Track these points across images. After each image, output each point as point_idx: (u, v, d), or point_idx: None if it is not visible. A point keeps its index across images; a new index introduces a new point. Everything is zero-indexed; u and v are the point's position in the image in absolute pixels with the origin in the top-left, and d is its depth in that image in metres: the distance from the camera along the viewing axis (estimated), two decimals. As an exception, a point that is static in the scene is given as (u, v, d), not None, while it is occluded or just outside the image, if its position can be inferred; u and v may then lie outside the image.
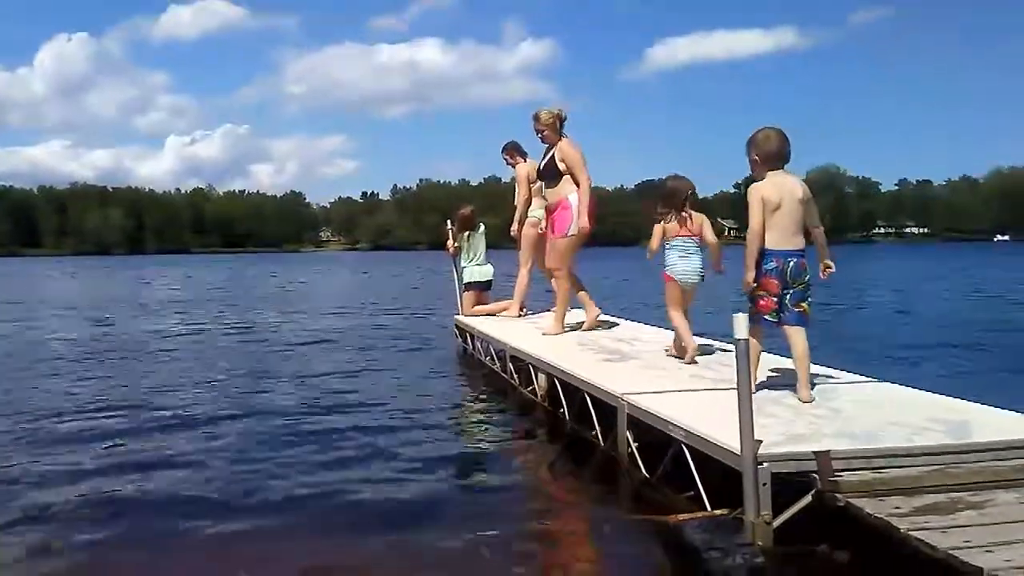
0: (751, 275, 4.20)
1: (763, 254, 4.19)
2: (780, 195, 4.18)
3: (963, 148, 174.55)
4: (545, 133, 6.86)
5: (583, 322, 7.41)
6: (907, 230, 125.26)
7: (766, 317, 4.21)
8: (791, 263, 4.17)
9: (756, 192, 4.20)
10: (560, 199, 6.86)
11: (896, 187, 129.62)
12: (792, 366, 4.34)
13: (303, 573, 3.11)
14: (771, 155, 4.26)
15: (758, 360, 4.41)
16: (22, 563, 3.20)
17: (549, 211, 7.04)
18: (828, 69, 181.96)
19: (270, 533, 3.50)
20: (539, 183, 8.52)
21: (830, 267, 4.33)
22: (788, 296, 4.19)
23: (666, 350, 5.83)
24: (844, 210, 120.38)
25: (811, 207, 4.26)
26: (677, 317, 5.55)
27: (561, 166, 6.80)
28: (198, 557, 3.29)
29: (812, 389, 4.22)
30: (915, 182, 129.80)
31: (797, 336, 4.21)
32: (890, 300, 17.30)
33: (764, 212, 4.16)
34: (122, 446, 4.99)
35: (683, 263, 5.45)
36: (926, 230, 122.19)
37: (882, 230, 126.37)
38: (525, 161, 8.59)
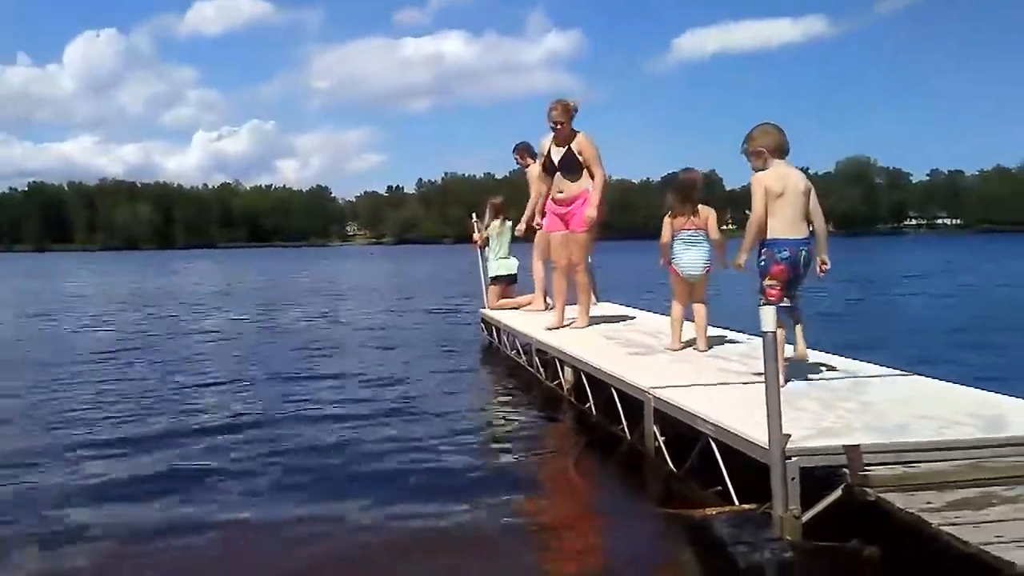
0: (743, 257, 4.33)
1: (774, 244, 4.24)
2: (783, 185, 4.25)
3: (996, 137, 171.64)
4: (562, 125, 6.67)
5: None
6: (939, 221, 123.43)
7: (781, 305, 4.19)
8: (803, 252, 4.26)
9: (759, 181, 4.27)
10: (580, 192, 6.75)
11: (927, 177, 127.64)
12: (820, 359, 4.30)
13: (325, 558, 3.15)
14: (774, 147, 4.34)
15: (783, 352, 4.38)
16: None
17: (564, 204, 6.83)
18: (857, 58, 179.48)
19: (291, 519, 3.53)
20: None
21: (826, 264, 4.39)
22: (796, 284, 4.34)
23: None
24: (874, 201, 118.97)
25: (813, 199, 4.33)
26: (676, 309, 5.70)
27: (580, 159, 6.69)
28: (206, 541, 3.33)
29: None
30: (947, 172, 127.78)
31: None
32: (920, 292, 17.08)
33: (767, 201, 4.24)
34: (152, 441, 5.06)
35: (686, 256, 5.49)
36: (958, 221, 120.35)
37: (913, 221, 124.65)
38: (535, 161, 8.59)
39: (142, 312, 14.65)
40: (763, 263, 4.32)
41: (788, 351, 4.51)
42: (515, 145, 8.89)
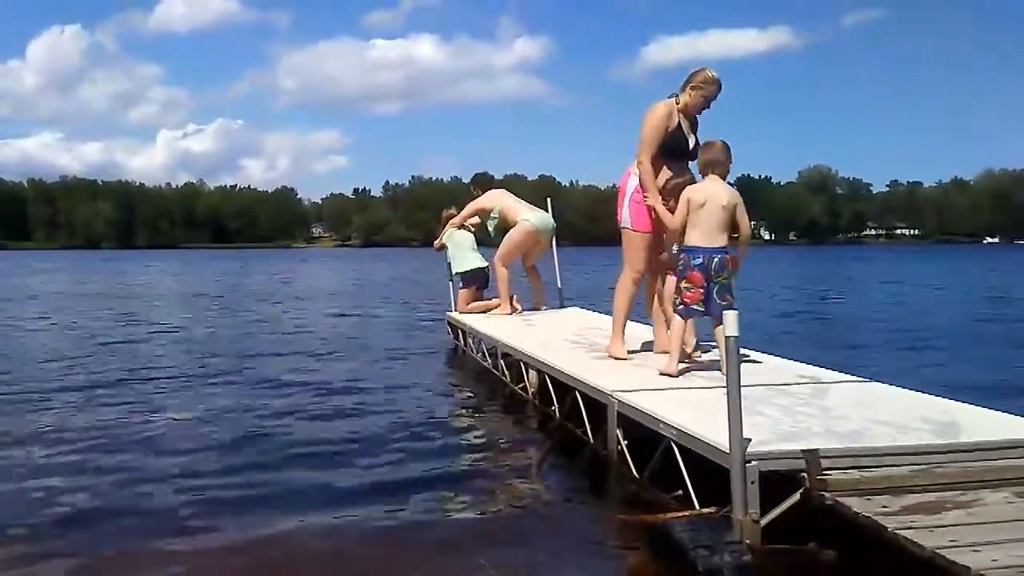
0: (664, 255, 4.98)
1: (691, 251, 4.72)
2: (705, 197, 4.71)
3: (954, 150, 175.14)
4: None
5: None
6: (898, 231, 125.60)
7: (695, 307, 4.73)
8: (715, 259, 4.67)
9: (684, 194, 4.81)
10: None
11: (887, 188, 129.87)
12: (780, 365, 4.34)
13: (280, 565, 3.11)
14: (709, 162, 4.83)
15: (692, 347, 5.04)
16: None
17: (672, 195, 5.24)
18: (821, 70, 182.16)
19: (254, 528, 3.48)
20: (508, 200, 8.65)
21: (737, 267, 4.84)
22: (714, 289, 4.68)
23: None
24: (835, 211, 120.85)
25: (739, 214, 4.75)
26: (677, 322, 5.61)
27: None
28: (181, 556, 3.27)
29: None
30: (906, 183, 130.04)
31: (679, 322, 4.84)
32: (881, 301, 17.36)
33: (688, 211, 4.72)
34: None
35: None
36: (916, 232, 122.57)
37: (872, 231, 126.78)
38: (484, 192, 8.70)
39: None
40: (681, 268, 4.78)
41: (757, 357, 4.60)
42: (474, 177, 9.00)
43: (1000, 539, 2.52)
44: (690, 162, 5.24)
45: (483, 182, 8.94)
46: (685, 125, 5.19)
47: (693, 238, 4.70)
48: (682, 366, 4.84)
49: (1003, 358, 8.53)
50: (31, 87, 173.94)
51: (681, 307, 4.78)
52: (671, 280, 5.15)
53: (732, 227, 4.77)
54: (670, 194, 5.08)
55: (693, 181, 5.10)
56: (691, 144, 5.23)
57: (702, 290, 4.68)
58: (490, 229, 8.93)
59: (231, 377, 7.25)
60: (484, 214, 8.77)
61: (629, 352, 5.54)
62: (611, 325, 5.64)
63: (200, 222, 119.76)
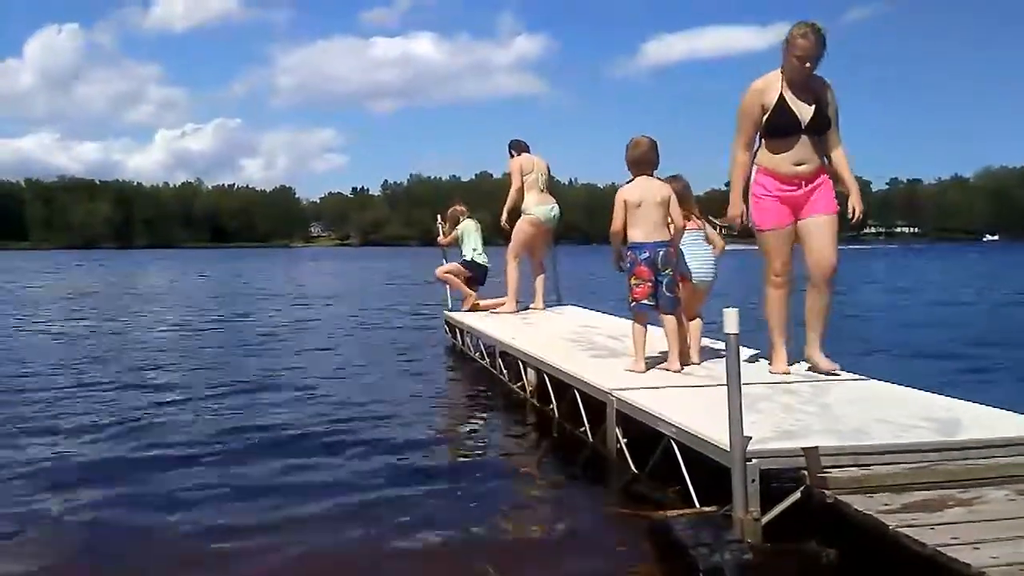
0: (617, 262, 5.00)
1: (636, 247, 4.85)
2: (641, 196, 4.84)
3: (953, 147, 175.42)
4: (811, 63, 4.45)
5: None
6: (898, 230, 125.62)
7: (645, 302, 4.88)
8: (660, 252, 4.83)
9: (619, 195, 4.91)
10: (823, 168, 4.65)
11: (887, 186, 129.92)
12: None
13: (280, 570, 3.09)
14: (636, 161, 4.93)
15: (644, 343, 5.01)
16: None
17: (806, 181, 4.58)
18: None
19: (250, 530, 3.46)
20: (535, 175, 8.50)
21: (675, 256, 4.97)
22: (663, 283, 4.86)
23: None
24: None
25: (672, 207, 4.87)
26: (670, 322, 5.54)
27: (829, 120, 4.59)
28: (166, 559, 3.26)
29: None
30: (905, 181, 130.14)
31: (670, 319, 4.94)
32: (884, 300, 17.35)
33: (626, 211, 4.85)
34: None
35: (695, 260, 5.40)
36: (916, 230, 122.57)
37: (872, 230, 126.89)
38: (519, 155, 8.60)
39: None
40: (628, 265, 4.91)
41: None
42: (510, 143, 8.88)
43: (1001, 537, 2.51)
44: (819, 135, 4.52)
45: (521, 147, 8.83)
46: (792, 96, 4.47)
47: (636, 236, 4.86)
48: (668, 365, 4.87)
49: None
50: (28, 86, 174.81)
51: (633, 303, 4.93)
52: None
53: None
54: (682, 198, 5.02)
55: (687, 188, 5.11)
56: (807, 115, 4.46)
57: (651, 284, 4.85)
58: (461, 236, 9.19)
59: (223, 376, 7.22)
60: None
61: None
62: (613, 324, 5.62)
63: (198, 222, 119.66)
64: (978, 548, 2.42)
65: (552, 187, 8.87)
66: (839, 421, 3.61)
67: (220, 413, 5.67)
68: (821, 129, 4.51)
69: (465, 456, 4.79)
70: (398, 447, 4.78)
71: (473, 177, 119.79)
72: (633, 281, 4.89)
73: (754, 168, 4.65)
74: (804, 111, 4.47)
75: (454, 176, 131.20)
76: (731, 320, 3.12)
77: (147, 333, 10.96)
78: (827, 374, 4.62)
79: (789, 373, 4.68)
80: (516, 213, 8.62)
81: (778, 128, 4.50)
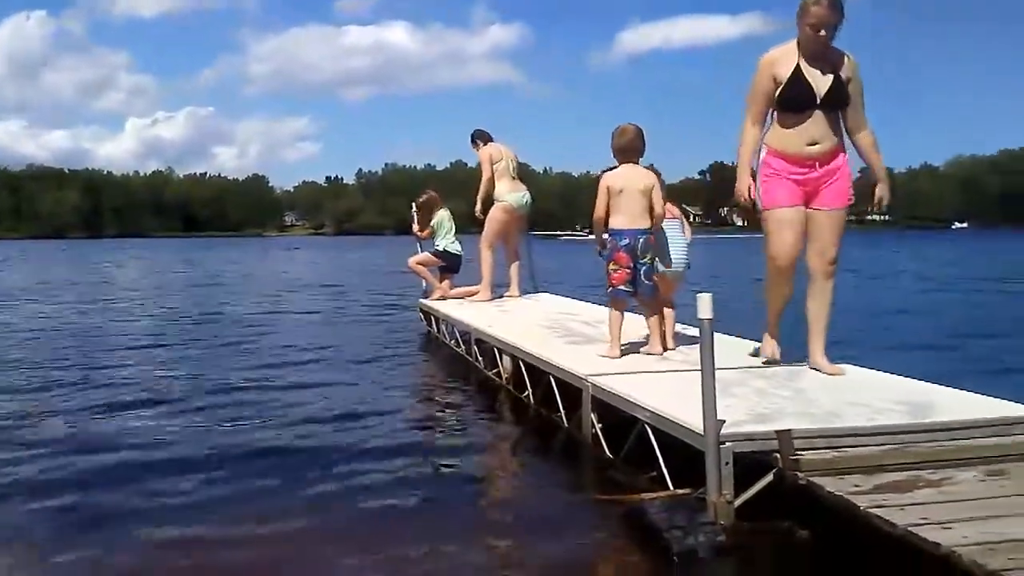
0: (599, 249, 5.00)
1: (616, 234, 4.87)
2: (623, 184, 4.86)
3: (923, 136, 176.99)
4: (827, 31, 4.11)
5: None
6: (868, 217, 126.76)
7: (622, 288, 4.90)
8: (640, 240, 4.86)
9: (602, 181, 4.94)
10: (840, 148, 4.33)
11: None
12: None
13: (256, 563, 3.06)
14: (622, 148, 4.95)
15: (620, 329, 5.02)
16: None
17: (820, 162, 4.25)
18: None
19: (229, 527, 3.42)
20: (505, 163, 8.49)
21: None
22: (641, 270, 4.89)
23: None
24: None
25: (655, 197, 4.89)
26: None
27: (848, 94, 4.25)
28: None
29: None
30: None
31: (649, 306, 5.05)
32: (857, 285, 17.52)
33: (609, 198, 4.87)
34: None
35: (671, 249, 5.42)
36: (887, 218, 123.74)
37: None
38: (486, 144, 8.59)
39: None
40: (608, 251, 4.93)
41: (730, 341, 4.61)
42: (471, 134, 8.85)
43: (970, 516, 2.55)
44: (834, 110, 4.20)
45: (485, 136, 8.82)
46: (808, 67, 4.15)
47: (617, 222, 4.88)
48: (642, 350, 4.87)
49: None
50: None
51: (611, 289, 4.95)
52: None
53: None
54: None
55: (659, 179, 5.01)
56: (824, 87, 4.14)
57: (629, 270, 4.87)
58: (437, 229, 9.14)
59: (195, 368, 7.16)
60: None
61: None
62: (588, 312, 5.61)
63: (169, 210, 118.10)
64: (948, 528, 2.45)
65: (523, 174, 8.87)
66: (813, 405, 3.64)
67: (187, 406, 5.57)
68: (838, 103, 4.19)
69: (440, 442, 4.78)
70: (372, 434, 4.75)
71: (448, 166, 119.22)
72: (611, 267, 4.91)
73: (762, 150, 4.34)
74: (820, 83, 4.14)
75: (429, 165, 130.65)
76: (704, 305, 3.13)
77: (117, 326, 10.82)
78: (831, 375, 4.29)
79: (778, 361, 4.53)
80: (489, 202, 8.61)
81: (792, 101, 4.18)
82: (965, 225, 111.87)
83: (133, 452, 4.40)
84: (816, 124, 4.18)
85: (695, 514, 3.04)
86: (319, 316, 11.58)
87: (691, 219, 5.61)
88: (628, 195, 4.86)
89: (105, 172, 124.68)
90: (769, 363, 4.58)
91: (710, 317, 3.14)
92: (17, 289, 17.28)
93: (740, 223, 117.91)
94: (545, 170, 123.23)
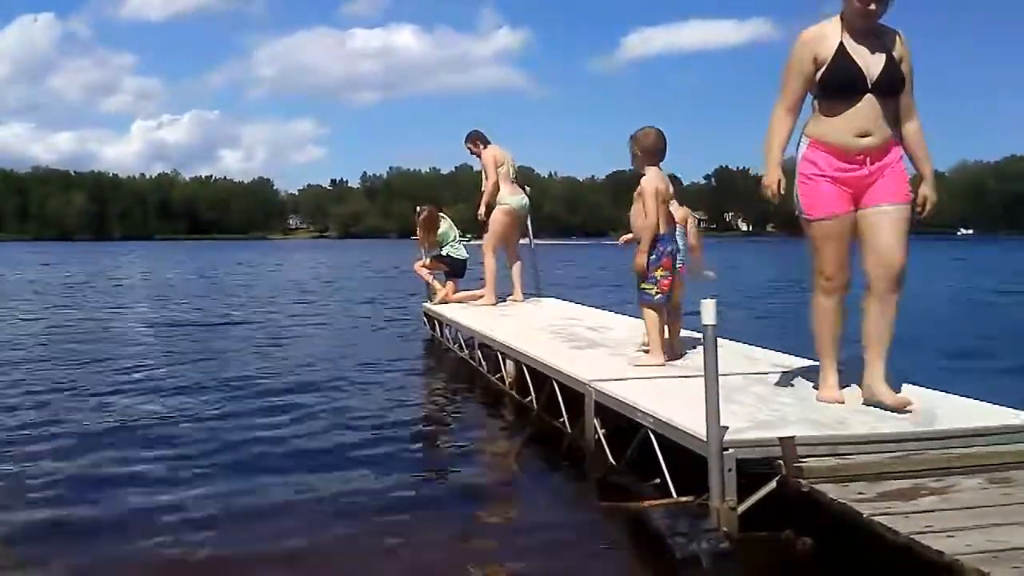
0: (644, 258, 4.70)
1: (661, 240, 4.71)
2: (666, 187, 4.76)
3: (928, 141, 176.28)
4: (877, 5, 3.52)
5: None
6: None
7: (667, 295, 4.77)
8: (673, 244, 4.79)
9: (649, 186, 4.67)
10: (894, 142, 3.69)
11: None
12: (759, 355, 4.35)
13: (258, 563, 3.06)
14: (653, 149, 4.78)
15: (664, 337, 4.91)
16: None
17: (872, 157, 3.61)
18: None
19: (231, 527, 3.43)
20: (506, 167, 8.50)
21: None
22: (676, 276, 4.82)
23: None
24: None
25: (672, 201, 4.87)
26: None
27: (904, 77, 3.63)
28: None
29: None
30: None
31: (670, 310, 4.95)
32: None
33: (658, 203, 4.67)
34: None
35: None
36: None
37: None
38: (487, 147, 8.58)
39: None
40: (655, 257, 4.72)
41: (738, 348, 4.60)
42: (467, 135, 8.82)
43: (974, 524, 2.54)
44: (889, 97, 3.58)
45: (484, 138, 8.79)
46: (855, 45, 3.56)
47: (660, 227, 4.74)
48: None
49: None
50: (2, 76, 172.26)
51: (660, 296, 4.76)
52: None
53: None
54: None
55: (669, 192, 4.84)
56: (875, 69, 3.54)
57: (672, 277, 4.76)
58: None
59: (202, 373, 7.17)
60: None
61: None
62: (592, 316, 5.60)
63: (175, 213, 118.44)
64: (952, 536, 2.44)
65: (528, 178, 8.87)
66: (816, 411, 3.63)
67: (191, 409, 5.58)
68: (892, 88, 3.56)
69: (443, 448, 4.78)
70: (375, 439, 4.75)
71: (453, 170, 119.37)
72: (660, 273, 4.73)
73: (802, 143, 3.73)
74: (871, 64, 3.53)
75: (434, 168, 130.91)
76: (708, 311, 3.13)
77: (128, 329, 10.84)
78: (895, 410, 3.58)
79: (843, 402, 3.73)
80: (492, 205, 8.62)
81: (837, 85, 3.57)
82: (970, 231, 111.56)
83: (133, 454, 4.41)
84: (866, 112, 3.55)
85: (698, 520, 3.03)
86: (322, 320, 11.58)
87: (698, 224, 5.58)
88: (667, 200, 4.79)
89: (111, 174, 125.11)
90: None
91: (714, 323, 3.14)
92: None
93: (745, 228, 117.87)
94: (550, 174, 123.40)
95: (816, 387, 3.94)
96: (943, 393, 3.99)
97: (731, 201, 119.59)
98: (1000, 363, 7.45)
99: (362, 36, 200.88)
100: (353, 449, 4.54)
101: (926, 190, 3.76)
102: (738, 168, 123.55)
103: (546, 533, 3.35)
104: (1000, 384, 5.58)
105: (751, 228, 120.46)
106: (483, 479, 4.23)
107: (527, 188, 8.95)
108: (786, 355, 5.17)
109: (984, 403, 3.75)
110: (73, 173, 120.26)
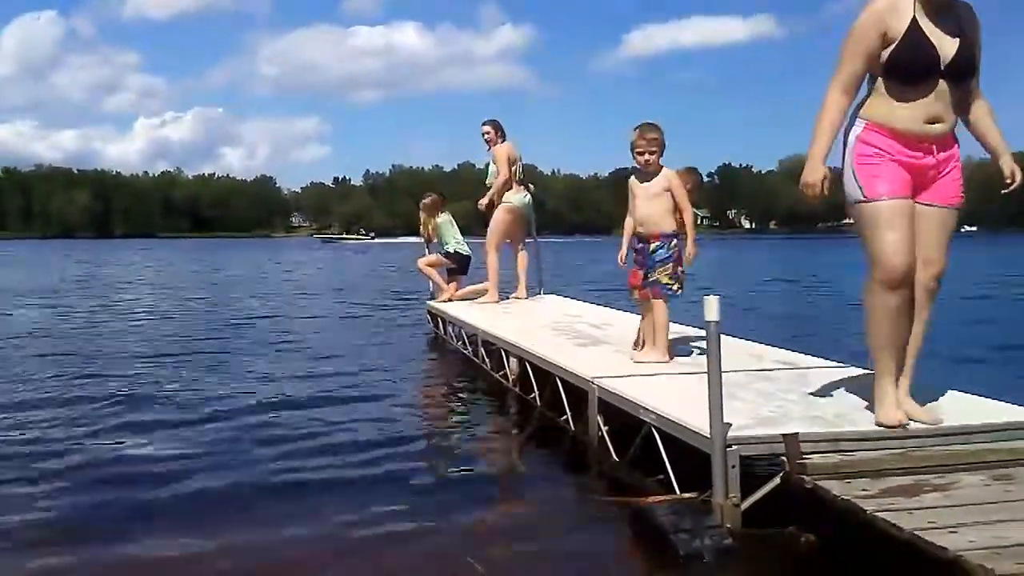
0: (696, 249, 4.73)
1: (677, 235, 4.68)
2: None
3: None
4: None
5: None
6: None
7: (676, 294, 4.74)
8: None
9: (677, 181, 4.70)
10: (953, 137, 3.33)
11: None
12: (760, 351, 4.35)
13: (255, 567, 3.06)
14: (662, 144, 4.69)
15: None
16: None
17: (939, 145, 3.26)
18: (803, 58, 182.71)
19: (235, 523, 3.43)
20: (517, 166, 8.50)
21: None
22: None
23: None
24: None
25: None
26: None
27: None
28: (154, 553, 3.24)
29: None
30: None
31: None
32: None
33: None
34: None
35: None
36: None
37: (850, 219, 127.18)
38: (503, 141, 8.57)
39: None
40: (675, 254, 4.71)
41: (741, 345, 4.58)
42: (490, 120, 8.75)
43: (977, 521, 2.54)
44: (961, 83, 3.20)
45: (503, 130, 8.75)
46: (928, 22, 3.13)
47: (672, 225, 4.72)
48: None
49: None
50: (5, 74, 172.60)
51: (679, 291, 4.74)
52: None
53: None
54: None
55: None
56: (950, 50, 3.13)
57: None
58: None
59: (208, 369, 7.18)
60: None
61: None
62: (596, 313, 5.59)
63: (178, 211, 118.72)
64: (955, 532, 2.44)
65: (531, 175, 8.89)
66: (819, 408, 3.63)
67: (187, 407, 5.57)
68: (965, 73, 3.19)
69: (447, 444, 4.78)
70: (380, 436, 4.75)
71: (456, 167, 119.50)
72: (680, 270, 4.72)
73: (857, 125, 3.29)
74: (946, 45, 3.13)
75: (437, 166, 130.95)
76: (711, 308, 3.13)
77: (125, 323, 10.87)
78: (930, 425, 3.30)
79: (907, 425, 3.26)
80: (493, 201, 8.62)
81: (908, 65, 3.14)
82: (974, 228, 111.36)
83: (132, 455, 4.41)
84: (939, 97, 3.16)
85: (701, 517, 3.03)
86: (325, 317, 11.60)
87: (700, 221, 5.58)
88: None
89: (114, 172, 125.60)
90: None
91: (717, 319, 3.14)
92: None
93: (748, 225, 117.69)
94: (553, 171, 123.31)
95: (824, 393, 3.93)
96: (947, 390, 3.98)
97: (734, 198, 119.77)
98: (1002, 359, 7.43)
99: (365, 34, 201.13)
100: (355, 445, 4.55)
101: (1011, 166, 3.35)
102: (741, 165, 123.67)
103: (549, 529, 3.36)
104: (1002, 381, 5.58)
105: (754, 225, 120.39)
106: (485, 476, 4.23)
107: (531, 186, 8.96)
108: (789, 351, 5.18)
109: (986, 400, 3.74)
110: (76, 171, 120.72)
